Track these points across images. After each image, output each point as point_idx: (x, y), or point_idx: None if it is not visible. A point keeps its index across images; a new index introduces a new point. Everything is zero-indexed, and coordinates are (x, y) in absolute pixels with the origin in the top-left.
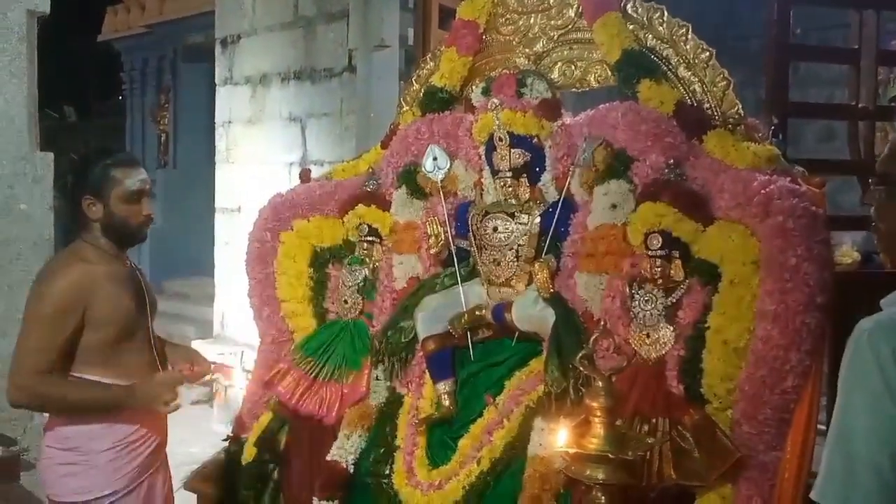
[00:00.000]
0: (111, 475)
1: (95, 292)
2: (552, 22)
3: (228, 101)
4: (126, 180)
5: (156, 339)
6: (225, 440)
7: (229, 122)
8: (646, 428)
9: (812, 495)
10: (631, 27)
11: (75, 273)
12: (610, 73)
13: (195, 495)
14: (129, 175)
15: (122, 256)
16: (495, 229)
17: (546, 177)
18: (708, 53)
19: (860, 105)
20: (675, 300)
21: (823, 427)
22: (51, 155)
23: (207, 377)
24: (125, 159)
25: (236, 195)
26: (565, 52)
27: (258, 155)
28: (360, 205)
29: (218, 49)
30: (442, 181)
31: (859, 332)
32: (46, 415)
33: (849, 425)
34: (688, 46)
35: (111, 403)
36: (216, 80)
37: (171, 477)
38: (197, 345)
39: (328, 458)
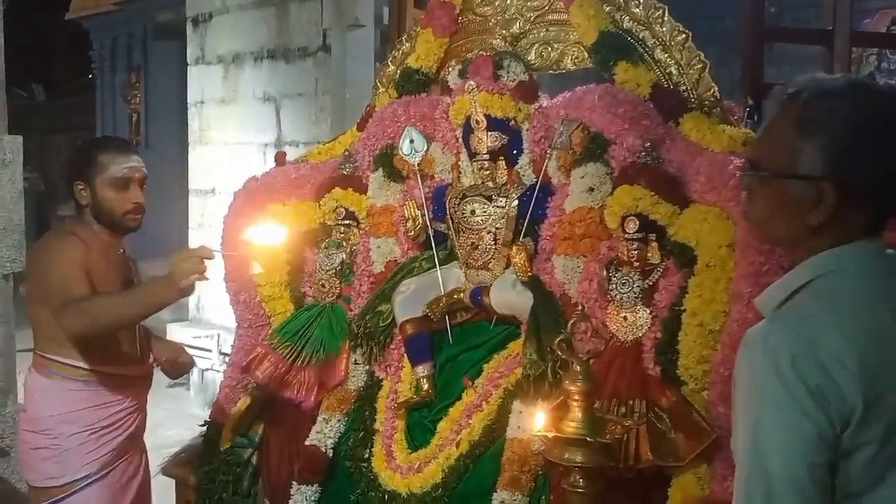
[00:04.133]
0: (83, 459)
1: (89, 269)
2: (529, 3)
3: (201, 81)
4: (112, 166)
5: (141, 330)
6: (203, 425)
7: (202, 102)
8: (623, 410)
9: None
10: (607, 9)
11: (73, 244)
12: (586, 55)
13: (173, 480)
14: (116, 161)
15: (115, 243)
16: (473, 212)
17: (523, 160)
18: (684, 35)
19: None
20: (651, 283)
21: None
22: (20, 138)
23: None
24: (115, 144)
25: (210, 176)
26: (542, 34)
27: (232, 136)
28: (336, 188)
29: (189, 28)
30: (419, 164)
31: (753, 341)
32: (20, 400)
33: (761, 442)
34: (664, 28)
35: (157, 299)
36: (188, 60)
37: (148, 461)
38: (173, 328)
39: (307, 442)
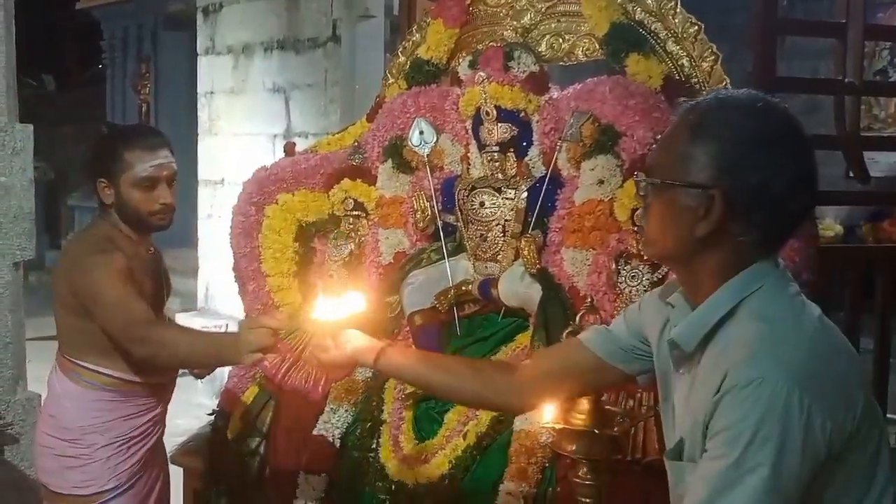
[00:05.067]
0: (113, 470)
1: (132, 274)
2: None
3: (210, 72)
4: (137, 165)
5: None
6: (211, 414)
7: (211, 92)
8: (631, 402)
9: None
10: (619, 0)
11: (117, 259)
12: (598, 46)
13: (181, 469)
14: (143, 159)
15: (143, 241)
16: (482, 204)
17: (533, 151)
18: (696, 27)
19: (846, 80)
20: (661, 276)
21: None
22: (30, 127)
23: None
24: (141, 138)
25: (219, 167)
26: (553, 25)
27: (241, 126)
28: (345, 179)
29: (199, 18)
30: (428, 155)
31: (747, 383)
32: (32, 390)
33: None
34: (676, 20)
35: (218, 358)
36: (198, 50)
37: (168, 473)
38: (181, 318)
39: (314, 432)
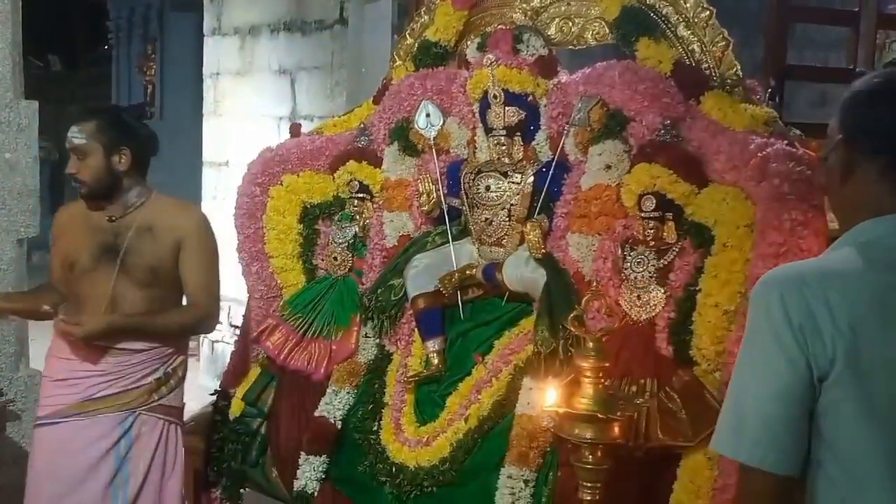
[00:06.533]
0: (43, 401)
1: (63, 230)
2: None
3: (216, 53)
4: None
5: (118, 298)
6: (213, 395)
7: (217, 73)
8: (634, 388)
9: (710, 444)
10: None
11: (60, 209)
12: (608, 30)
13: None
14: None
15: (105, 208)
16: (488, 188)
17: (540, 136)
18: (708, 13)
19: (858, 69)
20: (666, 262)
21: None
22: (35, 103)
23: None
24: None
25: (224, 149)
26: (563, 8)
27: (247, 108)
28: (351, 161)
29: None
30: (434, 138)
31: (756, 286)
32: (34, 367)
33: (739, 375)
34: (688, 4)
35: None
36: (204, 31)
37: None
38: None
39: (316, 413)
